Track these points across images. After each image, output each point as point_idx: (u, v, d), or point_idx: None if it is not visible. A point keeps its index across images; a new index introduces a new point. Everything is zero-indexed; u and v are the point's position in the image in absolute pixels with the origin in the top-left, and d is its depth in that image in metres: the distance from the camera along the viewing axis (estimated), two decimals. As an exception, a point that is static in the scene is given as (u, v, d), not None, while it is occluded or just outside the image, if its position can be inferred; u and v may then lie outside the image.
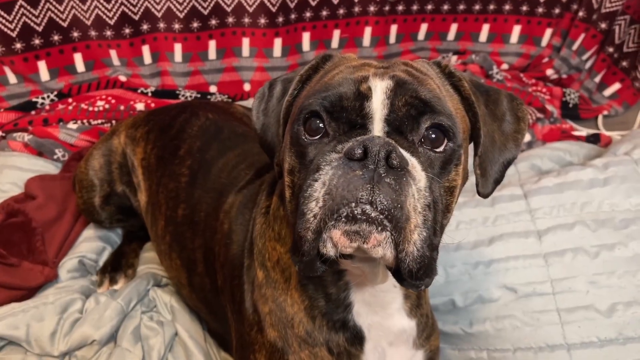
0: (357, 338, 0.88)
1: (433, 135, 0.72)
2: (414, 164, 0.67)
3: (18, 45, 1.86)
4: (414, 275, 0.65)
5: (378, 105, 0.70)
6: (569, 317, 1.13)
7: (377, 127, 0.70)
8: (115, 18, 1.93)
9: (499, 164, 0.81)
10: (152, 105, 1.89)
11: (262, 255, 0.94)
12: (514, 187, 1.33)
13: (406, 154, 0.67)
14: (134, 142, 1.43)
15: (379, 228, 0.63)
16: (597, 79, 2.33)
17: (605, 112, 2.23)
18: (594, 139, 1.93)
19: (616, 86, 2.31)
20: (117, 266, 1.47)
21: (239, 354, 0.99)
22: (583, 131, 1.99)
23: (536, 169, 1.56)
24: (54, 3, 1.85)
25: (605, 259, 1.16)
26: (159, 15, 1.96)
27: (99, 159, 1.44)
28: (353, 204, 0.63)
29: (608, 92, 2.32)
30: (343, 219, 0.63)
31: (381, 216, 0.63)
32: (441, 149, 0.72)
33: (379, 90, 0.71)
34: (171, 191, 1.27)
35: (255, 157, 1.18)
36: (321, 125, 0.73)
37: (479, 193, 0.81)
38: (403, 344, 0.93)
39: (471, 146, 0.82)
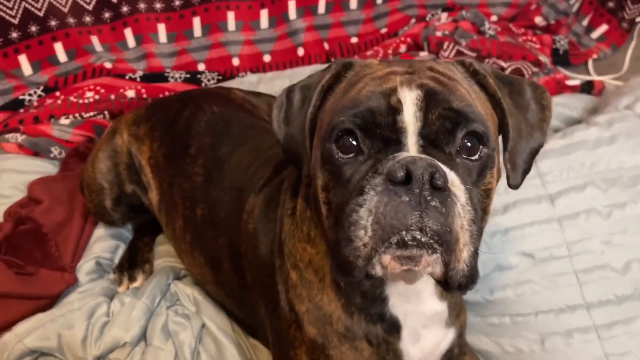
0: (394, 327, 0.91)
1: (469, 144, 0.72)
2: (453, 179, 0.67)
3: (-5, 41, 1.78)
4: (462, 285, 0.67)
5: (410, 119, 0.70)
6: (586, 277, 1.17)
7: (412, 141, 0.70)
8: (93, 3, 1.85)
9: (526, 153, 0.82)
10: (143, 91, 1.85)
11: (294, 257, 0.95)
12: (523, 153, 1.34)
13: (446, 170, 0.67)
14: (138, 140, 1.40)
15: (429, 251, 0.65)
16: (585, 22, 2.32)
17: (595, 56, 2.24)
18: (587, 87, 1.94)
19: (603, 28, 2.31)
20: (134, 263, 1.47)
21: (277, 350, 1.01)
22: (577, 80, 2.00)
23: (538, 127, 1.58)
24: (27, -8, 1.77)
25: (618, 218, 1.19)
26: (138, -5, 1.88)
27: (105, 161, 1.41)
28: (403, 232, 0.64)
29: (596, 34, 2.32)
30: (394, 246, 0.64)
31: (431, 240, 0.64)
32: (477, 156, 0.72)
33: (409, 102, 0.70)
34: (187, 191, 1.26)
35: (268, 152, 1.17)
36: (354, 143, 0.72)
37: (509, 185, 0.82)
38: (436, 325, 0.96)
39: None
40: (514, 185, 0.82)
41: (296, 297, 0.94)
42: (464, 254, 0.66)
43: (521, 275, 1.21)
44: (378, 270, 0.67)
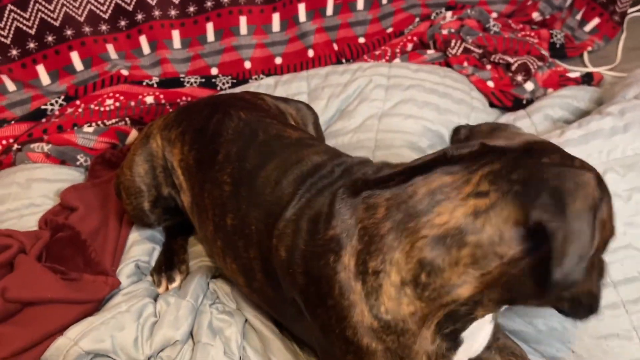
0: (457, 346, 0.92)
1: None
2: None
3: (14, 52, 1.80)
4: None
5: None
6: (612, 257, 1.24)
7: None
8: (109, 11, 1.88)
9: None
10: (161, 96, 1.88)
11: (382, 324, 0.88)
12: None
13: None
14: (170, 143, 1.43)
15: None
16: (578, 16, 2.42)
17: (589, 48, 2.34)
18: (587, 78, 2.04)
19: (595, 21, 2.41)
20: (171, 264, 1.51)
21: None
22: (577, 72, 2.09)
23: (549, 119, 1.66)
24: (44, 3, 1.78)
25: (637, 201, 1.28)
26: (153, 3, 1.91)
27: (143, 164, 1.45)
28: None
29: (588, 27, 2.41)
30: None
31: None
32: None
33: None
34: (216, 198, 1.27)
35: (294, 171, 1.14)
36: None
37: None
38: (486, 325, 1.00)
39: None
40: None
41: (367, 337, 0.89)
42: None
43: (550, 258, 1.29)
44: None
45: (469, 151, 0.84)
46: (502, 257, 0.78)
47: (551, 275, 0.70)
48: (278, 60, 2.11)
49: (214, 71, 2.08)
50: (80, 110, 1.82)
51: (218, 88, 1.99)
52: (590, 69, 2.20)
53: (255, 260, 1.16)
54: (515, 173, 0.77)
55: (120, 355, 1.26)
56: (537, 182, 0.75)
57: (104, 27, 1.90)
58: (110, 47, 1.93)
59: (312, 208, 1.00)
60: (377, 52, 2.12)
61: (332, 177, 1.07)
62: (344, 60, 2.13)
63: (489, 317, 0.96)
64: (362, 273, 0.87)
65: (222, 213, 1.26)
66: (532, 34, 2.26)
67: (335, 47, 2.16)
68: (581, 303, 0.91)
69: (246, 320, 1.37)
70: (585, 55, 2.31)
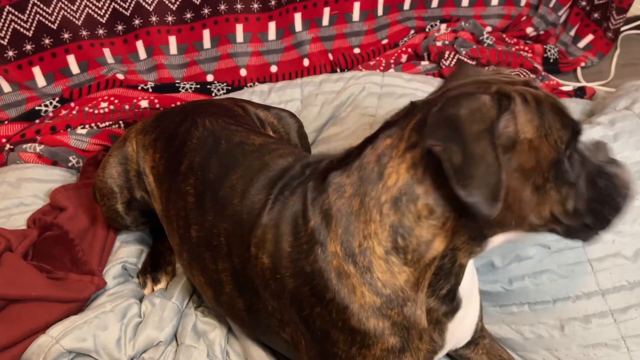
0: (456, 308, 0.96)
1: None
2: None
3: (10, 53, 1.81)
4: None
5: None
6: (599, 265, 1.24)
7: None
8: (107, 16, 1.89)
9: None
10: (156, 101, 1.89)
11: (374, 283, 0.89)
12: (534, 151, 1.42)
13: None
14: (144, 149, 1.42)
15: None
16: (572, 32, 2.44)
17: (583, 64, 2.36)
18: (580, 92, 2.05)
19: (589, 37, 2.43)
20: (156, 266, 1.50)
21: None
22: (569, 86, 2.11)
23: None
24: (42, 6, 1.80)
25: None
26: (151, 9, 1.93)
27: (116, 166, 1.44)
28: None
29: (582, 43, 2.44)
30: None
31: None
32: None
33: None
34: (180, 210, 1.24)
35: (260, 178, 1.12)
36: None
37: None
38: (474, 294, 1.03)
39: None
40: None
41: (372, 318, 0.89)
42: None
43: (538, 265, 1.28)
44: None
45: (402, 111, 0.89)
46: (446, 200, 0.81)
47: (462, 200, 0.73)
48: (273, 69, 2.13)
49: (210, 78, 2.10)
50: (74, 112, 1.83)
51: (213, 94, 2.00)
52: (584, 83, 2.22)
53: (225, 272, 1.12)
54: (430, 115, 0.79)
55: (103, 355, 1.24)
56: (435, 114, 0.77)
57: (101, 31, 1.92)
58: (106, 51, 1.95)
59: (289, 209, 0.99)
60: (371, 63, 2.13)
61: (302, 177, 1.04)
62: (338, 70, 2.15)
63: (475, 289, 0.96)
64: (351, 255, 0.87)
65: (185, 225, 1.22)
66: (526, 48, 2.28)
67: (331, 56, 2.18)
68: (572, 225, 0.88)
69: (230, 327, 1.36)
70: (579, 71, 2.33)
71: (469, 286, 0.96)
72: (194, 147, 1.29)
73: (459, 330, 1.00)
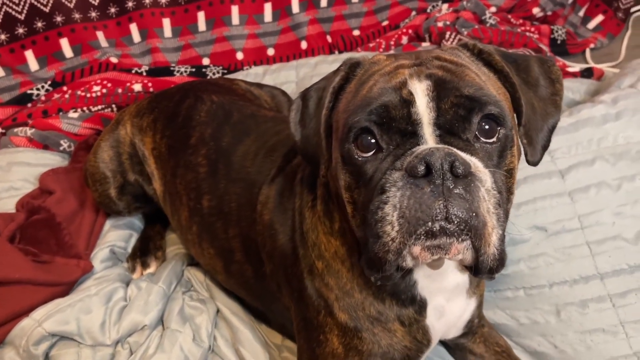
0: (422, 307, 0.93)
1: (486, 127, 0.72)
2: (476, 164, 0.68)
3: (2, 37, 1.79)
4: (492, 269, 0.69)
5: (424, 109, 0.70)
6: (598, 248, 1.19)
7: (428, 132, 0.70)
8: (99, -2, 1.87)
9: (544, 130, 0.82)
10: (150, 84, 1.86)
11: (318, 247, 0.95)
12: (531, 131, 1.37)
13: (466, 157, 0.67)
14: (141, 131, 1.41)
15: (459, 239, 0.66)
16: (581, 12, 2.36)
17: (592, 45, 2.28)
18: (587, 73, 1.98)
19: (599, 18, 2.35)
20: (146, 250, 1.48)
21: (305, 335, 1.00)
22: (576, 67, 2.03)
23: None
24: (34, -12, 1.78)
25: (627, 190, 1.21)
26: (144, -10, 1.90)
27: (108, 150, 1.42)
28: (430, 223, 0.64)
29: (592, 24, 2.36)
30: (422, 237, 0.65)
31: (459, 228, 0.65)
32: (495, 138, 0.73)
33: (420, 93, 0.71)
34: (190, 182, 1.25)
35: (273, 139, 1.17)
36: (372, 140, 0.72)
37: (528, 162, 0.82)
38: (458, 297, 0.98)
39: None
40: (533, 161, 0.82)
41: (324, 286, 0.94)
42: (493, 237, 0.67)
43: (534, 248, 1.23)
44: (409, 262, 0.69)
45: None
46: None
47: None
48: (270, 52, 2.08)
49: (206, 61, 2.06)
50: (66, 96, 1.81)
51: (208, 77, 1.96)
52: (591, 64, 2.14)
53: (235, 239, 1.15)
54: None
55: (86, 338, 1.22)
56: None
57: (93, 14, 1.89)
58: (100, 35, 1.92)
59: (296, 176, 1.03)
60: (371, 45, 2.08)
61: None
62: (336, 52, 2.10)
63: (454, 279, 0.93)
64: (323, 219, 0.95)
65: (197, 196, 1.23)
66: (532, 29, 2.21)
67: (329, 39, 2.13)
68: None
69: (218, 310, 1.33)
70: (587, 52, 2.25)
71: (436, 285, 0.92)
72: (203, 120, 1.30)
73: (442, 325, 0.97)
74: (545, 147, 0.84)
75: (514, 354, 1.16)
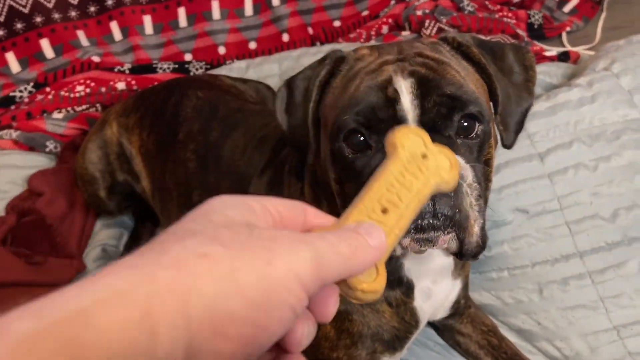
0: (409, 289, 0.97)
1: (465, 124, 0.76)
2: (459, 162, 0.70)
3: (-18, 40, 1.78)
4: (475, 254, 0.74)
5: (408, 107, 0.73)
6: (577, 227, 1.23)
7: None
8: (78, -3, 1.86)
9: (517, 115, 0.87)
10: (133, 82, 1.86)
11: None
12: (511, 116, 1.40)
13: None
14: (128, 131, 1.41)
15: (445, 232, 0.70)
16: (557, -4, 2.40)
17: (568, 29, 2.32)
18: (564, 57, 2.02)
19: (575, 1, 2.39)
20: (137, 248, 1.49)
21: None
22: (553, 51, 2.07)
23: (522, 94, 1.64)
24: (12, -10, 1.77)
25: (604, 170, 1.26)
26: (123, -12, 1.90)
27: (96, 151, 1.43)
28: (419, 220, 0.69)
29: (567, 8, 2.39)
30: (412, 231, 0.70)
31: (445, 223, 0.69)
32: (474, 134, 0.77)
33: (405, 92, 0.74)
34: (180, 177, 1.26)
35: (261, 132, 1.19)
36: (362, 139, 0.75)
37: (504, 146, 0.87)
38: (444, 278, 1.02)
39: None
40: (508, 145, 0.87)
41: None
42: (475, 228, 0.72)
43: (517, 230, 1.27)
44: (398, 251, 0.74)
45: None
46: None
47: None
48: (252, 45, 2.10)
49: (188, 57, 2.07)
50: (50, 97, 1.81)
51: (191, 74, 1.97)
52: (568, 48, 2.18)
53: None
54: None
55: (83, 336, 1.24)
56: None
57: (73, 14, 1.88)
58: (80, 34, 1.92)
59: (286, 169, 1.05)
60: (352, 35, 2.10)
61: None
62: (318, 44, 2.11)
63: (441, 263, 0.97)
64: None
65: (187, 192, 1.25)
66: (510, 14, 2.24)
67: (311, 31, 2.15)
68: None
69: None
70: (564, 36, 2.29)
71: (422, 268, 0.96)
72: (190, 116, 1.31)
73: (429, 307, 1.01)
74: (518, 130, 0.88)
75: (500, 333, 1.21)
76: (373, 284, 0.43)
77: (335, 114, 0.79)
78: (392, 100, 0.73)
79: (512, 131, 0.86)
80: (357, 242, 0.40)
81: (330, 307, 0.42)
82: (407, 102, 0.73)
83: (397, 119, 0.73)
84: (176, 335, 0.30)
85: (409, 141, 0.49)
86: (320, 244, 0.38)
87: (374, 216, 0.44)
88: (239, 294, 0.32)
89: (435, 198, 0.68)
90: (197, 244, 0.34)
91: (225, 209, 0.38)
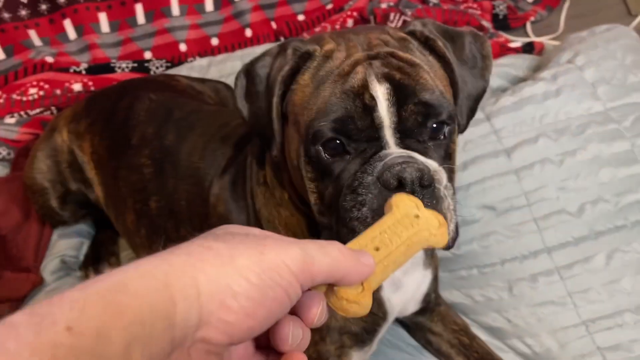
0: None
1: (436, 127, 0.78)
2: (434, 167, 0.73)
3: None
4: (449, 246, 0.76)
5: (385, 114, 0.74)
6: (545, 223, 1.23)
7: (389, 134, 0.75)
8: (28, -5, 1.77)
9: (472, 101, 0.89)
10: (90, 83, 1.79)
11: (272, 222, 0.96)
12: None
13: (427, 162, 0.73)
14: (79, 137, 1.35)
15: None
16: (521, -14, 2.39)
17: (532, 18, 2.32)
18: (529, 47, 2.02)
19: (538, -9, 2.39)
20: (98, 257, 1.44)
21: None
22: (518, 42, 2.07)
23: (488, 88, 1.63)
24: (-46, -12, 1.67)
25: (569, 165, 1.26)
26: (75, -16, 1.82)
27: (45, 160, 1.36)
28: None
29: (531, -3, 2.40)
30: None
31: None
32: (443, 136, 0.79)
33: (381, 98, 0.74)
34: (135, 184, 1.21)
35: (221, 133, 1.15)
36: (339, 142, 0.76)
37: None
38: (415, 268, 1.02)
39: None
40: (461, 130, 0.89)
41: None
42: (451, 225, 0.74)
43: (485, 227, 1.26)
44: None
45: None
46: None
47: None
48: (214, 41, 2.04)
49: (148, 55, 2.00)
50: (1, 100, 1.72)
51: (152, 72, 1.90)
52: (533, 38, 2.18)
53: (187, 237, 1.10)
54: None
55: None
56: None
57: (23, 12, 1.80)
58: (32, 33, 1.83)
59: (249, 166, 1.03)
60: (317, 29, 2.06)
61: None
62: (282, 39, 2.06)
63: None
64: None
65: (144, 198, 1.20)
66: (475, 5, 2.23)
67: (274, 25, 2.10)
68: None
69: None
70: (528, 26, 2.29)
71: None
72: (143, 120, 1.25)
73: (397, 299, 1.00)
74: (471, 116, 0.91)
75: (471, 331, 1.20)
76: (358, 296, 0.47)
77: (309, 117, 0.77)
78: (369, 107, 0.74)
79: (465, 116, 0.89)
80: (346, 251, 0.46)
81: (314, 309, 0.47)
82: (384, 109, 0.74)
83: (374, 127, 0.74)
84: (190, 304, 0.38)
85: (403, 203, 0.55)
86: (310, 245, 0.45)
87: (366, 249, 0.50)
88: (237, 273, 0.40)
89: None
90: (203, 240, 0.44)
91: (227, 228, 0.48)
